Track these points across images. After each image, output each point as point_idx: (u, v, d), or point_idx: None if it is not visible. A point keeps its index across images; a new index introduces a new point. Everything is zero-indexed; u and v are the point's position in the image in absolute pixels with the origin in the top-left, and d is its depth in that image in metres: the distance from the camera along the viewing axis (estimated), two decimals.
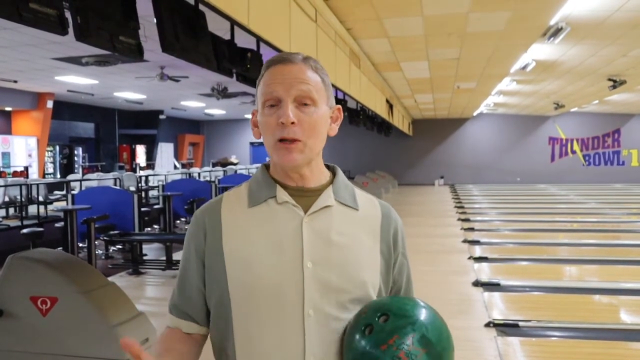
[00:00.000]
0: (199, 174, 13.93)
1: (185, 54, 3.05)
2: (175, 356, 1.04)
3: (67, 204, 6.91)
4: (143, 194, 9.60)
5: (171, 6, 2.90)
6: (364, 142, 18.72)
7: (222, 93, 11.67)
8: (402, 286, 1.13)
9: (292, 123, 0.99)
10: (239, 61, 3.75)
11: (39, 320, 2.86)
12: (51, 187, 10.90)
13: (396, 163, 19.53)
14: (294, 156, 1.01)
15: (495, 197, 14.68)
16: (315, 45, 4.86)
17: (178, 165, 18.98)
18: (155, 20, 2.82)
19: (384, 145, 18.90)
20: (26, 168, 12.20)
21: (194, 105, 15.44)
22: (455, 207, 12.08)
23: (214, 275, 1.04)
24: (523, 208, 11.87)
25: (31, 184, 9.13)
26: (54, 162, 14.75)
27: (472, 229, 8.69)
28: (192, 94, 13.18)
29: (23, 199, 8.56)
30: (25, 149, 12.78)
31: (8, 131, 12.73)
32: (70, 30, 2.34)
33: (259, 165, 18.28)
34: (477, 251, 6.91)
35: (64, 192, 10.11)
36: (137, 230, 6.76)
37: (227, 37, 3.65)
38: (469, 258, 6.48)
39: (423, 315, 0.97)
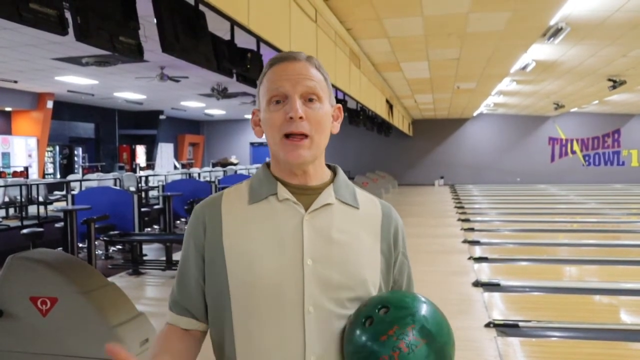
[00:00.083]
0: (199, 174, 13.93)
1: (185, 54, 3.05)
2: (171, 356, 1.04)
3: (67, 204, 6.91)
4: (143, 194, 9.59)
5: (171, 6, 2.90)
6: (364, 142, 18.72)
7: (222, 93, 11.67)
8: (402, 286, 1.14)
9: (301, 118, 1.00)
10: (239, 61, 3.75)
11: (38, 320, 2.86)
12: (51, 188, 10.91)
13: (396, 163, 19.54)
14: (301, 152, 1.01)
15: (495, 197, 14.68)
16: (315, 45, 4.87)
17: (178, 165, 18.99)
18: (155, 21, 2.82)
19: (384, 146, 18.90)
20: (26, 168, 12.20)
21: (194, 105, 15.44)
22: (455, 207, 12.08)
23: (213, 271, 1.04)
24: (523, 208, 11.87)
25: (31, 184, 9.13)
26: (54, 163, 14.75)
27: (472, 229, 8.68)
28: (192, 94, 13.18)
29: (23, 199, 8.56)
30: (25, 149, 12.78)
31: (8, 131, 12.73)
32: (70, 30, 2.34)
33: (258, 165, 18.30)
34: (477, 251, 6.90)
35: (63, 193, 10.11)
36: (137, 231, 6.77)
37: (227, 37, 3.65)
38: (469, 258, 6.48)
39: (423, 307, 0.97)
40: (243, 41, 3.74)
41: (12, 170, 12.17)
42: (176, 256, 6.18)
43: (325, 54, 5.25)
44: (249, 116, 21.95)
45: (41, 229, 6.24)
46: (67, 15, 2.29)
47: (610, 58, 8.02)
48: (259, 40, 3.75)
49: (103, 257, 7.02)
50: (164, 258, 6.31)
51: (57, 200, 9.89)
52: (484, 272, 5.81)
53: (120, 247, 7.39)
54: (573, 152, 19.04)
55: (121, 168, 15.73)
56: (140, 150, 17.44)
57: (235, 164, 18.39)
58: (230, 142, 21.56)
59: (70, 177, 11.87)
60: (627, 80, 9.71)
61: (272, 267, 1.00)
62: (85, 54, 7.82)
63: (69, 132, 15.01)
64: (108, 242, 6.96)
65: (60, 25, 2.24)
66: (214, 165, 18.45)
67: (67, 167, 15.02)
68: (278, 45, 3.88)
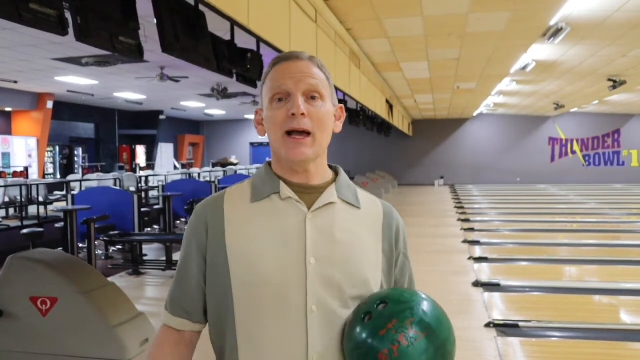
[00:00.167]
0: (199, 174, 13.93)
1: (185, 55, 3.06)
2: None
3: (67, 204, 6.91)
4: (143, 195, 9.59)
5: (171, 6, 2.90)
6: (364, 142, 18.72)
7: (222, 93, 11.67)
8: (404, 286, 1.14)
9: (303, 114, 1.00)
10: (239, 61, 3.75)
11: (39, 320, 2.86)
12: (51, 188, 10.91)
13: (396, 163, 19.54)
14: (303, 150, 1.01)
15: (495, 197, 14.67)
16: (315, 45, 4.87)
17: (178, 165, 18.99)
18: (155, 21, 2.82)
19: (384, 146, 18.90)
20: (26, 168, 12.20)
21: (194, 105, 15.44)
22: (455, 207, 12.08)
23: (216, 272, 1.04)
24: (523, 208, 11.86)
25: (31, 185, 9.13)
26: (54, 163, 14.75)
27: (472, 230, 8.68)
28: (192, 95, 13.18)
29: (23, 200, 8.56)
30: (25, 150, 12.78)
31: (8, 131, 12.73)
32: (70, 30, 2.34)
33: (259, 165, 18.28)
34: (477, 251, 6.90)
35: (64, 193, 10.11)
36: (137, 231, 6.77)
37: (227, 37, 3.65)
38: (469, 258, 6.48)
39: (422, 301, 0.97)
40: (243, 41, 3.74)
41: (12, 170, 12.17)
42: (176, 256, 6.18)
43: (325, 54, 5.25)
44: (248, 116, 21.89)
45: (41, 229, 6.24)
46: (67, 15, 2.29)
47: (610, 58, 8.02)
48: (259, 40, 3.75)
49: (103, 257, 7.02)
50: (164, 258, 6.31)
51: (57, 200, 9.89)
52: (484, 272, 5.81)
53: (120, 247, 7.39)
54: (573, 152, 19.04)
55: (121, 168, 15.74)
56: (140, 151, 17.44)
57: (235, 164, 18.39)
58: (230, 142, 21.56)
59: (70, 177, 11.86)
60: (627, 80, 9.71)
61: (275, 266, 1.00)
62: (85, 54, 7.82)
63: (69, 132, 15.01)
64: (108, 242, 6.96)
65: (60, 25, 2.24)
66: (214, 165, 18.45)
67: (67, 167, 15.02)
68: (278, 46, 3.88)
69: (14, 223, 7.91)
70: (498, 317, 4.21)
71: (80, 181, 10.34)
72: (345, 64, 6.36)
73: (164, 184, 10.60)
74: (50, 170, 14.50)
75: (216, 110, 17.20)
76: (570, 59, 8.03)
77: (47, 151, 13.87)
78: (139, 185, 11.07)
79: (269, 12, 3.79)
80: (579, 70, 9.09)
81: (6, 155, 12.48)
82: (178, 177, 12.50)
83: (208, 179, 13.27)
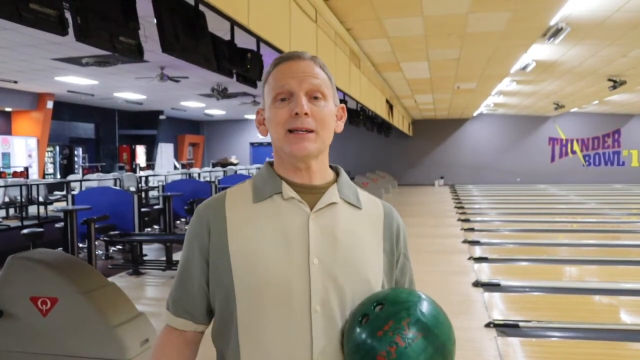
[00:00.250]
0: (199, 174, 13.93)
1: (185, 55, 3.06)
2: None
3: (67, 204, 6.91)
4: (143, 195, 9.59)
5: (171, 6, 2.90)
6: (364, 142, 18.71)
7: (222, 93, 11.67)
8: (404, 287, 1.14)
9: (306, 114, 1.01)
10: (239, 61, 3.75)
11: (39, 320, 2.86)
12: (51, 188, 10.91)
13: (396, 163, 19.54)
14: (306, 145, 1.02)
15: (495, 197, 14.68)
16: (315, 45, 4.87)
17: (178, 165, 18.98)
18: (155, 21, 2.82)
19: (384, 146, 18.90)
20: (26, 168, 12.20)
21: (193, 105, 15.44)
22: (455, 207, 12.08)
23: (218, 273, 1.04)
24: (523, 208, 11.86)
25: (31, 185, 9.13)
26: (54, 163, 14.74)
27: (472, 230, 8.68)
28: (192, 95, 13.18)
29: (23, 200, 8.56)
30: (25, 150, 12.78)
31: (8, 132, 12.73)
32: (70, 30, 2.34)
33: (259, 165, 18.26)
34: (477, 251, 6.90)
35: (64, 193, 10.11)
36: (137, 231, 6.76)
37: (227, 37, 3.65)
38: (469, 258, 6.48)
39: (419, 301, 0.97)
40: (243, 41, 3.74)
41: (12, 170, 12.17)
42: (176, 256, 6.18)
43: (325, 54, 5.25)
44: (248, 116, 21.87)
45: (41, 229, 6.24)
46: (67, 15, 2.29)
47: (610, 58, 8.02)
48: (259, 40, 3.75)
49: (103, 257, 7.02)
50: (164, 258, 6.31)
51: (57, 200, 9.88)
52: (484, 272, 5.81)
53: (120, 247, 7.39)
54: (573, 152, 19.04)
55: (121, 168, 15.73)
56: (140, 151, 17.43)
57: (235, 164, 18.38)
58: (230, 142, 21.56)
59: (70, 177, 11.86)
60: (627, 80, 9.71)
61: (278, 266, 1.00)
62: (85, 54, 7.82)
63: (69, 132, 15.01)
64: (108, 242, 6.96)
65: (60, 25, 2.24)
66: (214, 165, 18.45)
67: (67, 168, 15.02)
68: (278, 45, 3.88)
69: (14, 223, 7.91)
70: (498, 317, 4.21)
71: (80, 181, 10.34)
72: (345, 64, 6.36)
73: (164, 184, 10.60)
74: (50, 170, 14.50)
75: (216, 110, 17.20)
76: (570, 59, 8.03)
77: (47, 151, 13.87)
78: (139, 185, 11.07)
79: (269, 12, 3.79)
80: (579, 70, 9.09)
81: (6, 155, 12.48)
82: (178, 177, 12.50)
83: (208, 179, 13.27)
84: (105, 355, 2.79)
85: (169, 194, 8.25)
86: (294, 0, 4.24)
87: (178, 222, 9.49)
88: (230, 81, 6.76)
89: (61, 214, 6.68)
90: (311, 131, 1.02)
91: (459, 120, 19.44)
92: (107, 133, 16.34)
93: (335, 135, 1.11)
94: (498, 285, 5.22)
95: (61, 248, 5.98)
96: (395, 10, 5.44)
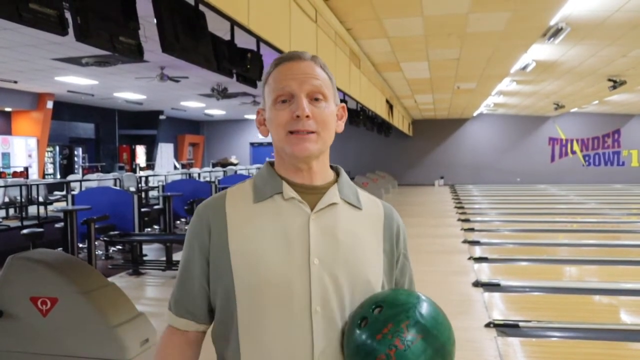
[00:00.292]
0: (199, 174, 13.93)
1: (185, 55, 3.06)
2: None
3: (67, 204, 6.91)
4: (143, 195, 9.59)
5: (171, 6, 2.90)
6: (364, 142, 18.71)
7: (222, 93, 11.66)
8: (404, 287, 1.14)
9: (307, 116, 1.01)
10: (239, 61, 3.75)
11: (39, 320, 2.86)
12: (51, 188, 10.91)
13: (396, 163, 19.54)
14: (307, 145, 1.01)
15: (495, 197, 14.67)
16: (315, 45, 4.86)
17: (178, 165, 18.98)
18: (155, 21, 2.82)
19: (384, 146, 18.91)
20: (26, 168, 12.20)
21: (193, 105, 15.44)
22: (455, 207, 12.08)
23: (218, 273, 1.04)
24: (523, 208, 11.86)
25: (31, 185, 9.12)
26: (54, 163, 14.74)
27: (472, 230, 8.68)
28: (192, 95, 13.18)
29: (23, 200, 8.56)
30: (25, 150, 12.78)
31: (8, 132, 12.73)
32: (70, 30, 2.34)
33: (259, 165, 18.24)
34: (477, 251, 6.90)
35: (64, 193, 10.11)
36: (137, 231, 6.76)
37: (227, 37, 3.65)
38: (469, 258, 6.48)
39: (417, 303, 0.97)
40: (243, 41, 3.74)
41: (12, 170, 12.17)
42: (176, 256, 6.18)
43: (325, 54, 5.25)
44: (248, 116, 21.84)
45: (41, 229, 6.24)
46: (67, 15, 2.29)
47: (610, 58, 8.02)
48: (259, 40, 3.74)
49: (103, 257, 7.02)
50: (164, 258, 6.31)
51: (57, 200, 9.88)
52: (484, 272, 5.80)
53: (120, 247, 7.39)
54: (573, 152, 19.04)
55: (121, 168, 15.73)
56: (140, 151, 17.43)
57: (235, 164, 18.38)
58: (230, 142, 21.56)
59: (70, 178, 11.86)
60: (627, 80, 9.71)
61: (278, 266, 1.00)
62: (85, 54, 7.82)
63: (69, 132, 15.01)
64: (108, 242, 6.96)
65: (60, 25, 2.24)
66: (214, 165, 18.45)
67: (67, 168, 15.01)
68: (278, 45, 3.88)
69: (14, 223, 7.91)
70: (498, 317, 4.21)
71: (80, 181, 10.34)
72: (345, 64, 6.36)
73: (164, 184, 10.60)
74: (50, 171, 14.50)
75: (216, 110, 17.20)
76: (570, 59, 8.03)
77: (47, 151, 13.87)
78: (139, 185, 11.07)
79: (269, 12, 3.79)
80: (579, 70, 9.09)
81: (6, 155, 12.48)
82: (178, 177, 12.50)
83: (208, 179, 13.27)
84: (105, 356, 2.79)
85: (169, 194, 8.25)
86: (294, 0, 4.24)
87: (178, 222, 9.49)
88: (230, 81, 6.76)
89: (61, 214, 6.68)
90: (312, 132, 1.02)
91: (459, 120, 19.44)
92: (107, 133, 16.34)
93: (335, 135, 1.10)
94: (498, 285, 5.22)
95: (61, 248, 5.98)
96: (395, 10, 5.44)
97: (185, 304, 1.08)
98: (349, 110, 8.96)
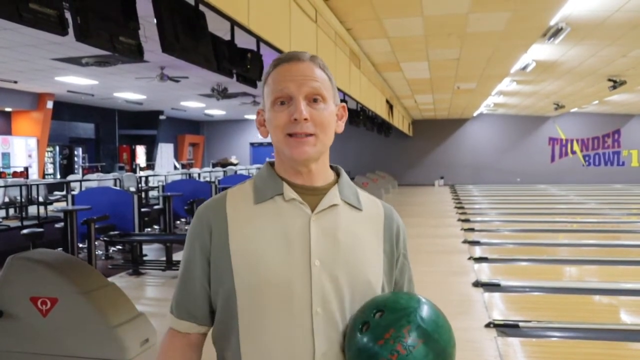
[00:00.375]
0: (199, 174, 13.93)
1: (185, 55, 3.05)
2: None
3: (67, 204, 6.91)
4: (143, 195, 9.59)
5: (171, 6, 2.90)
6: (364, 142, 18.71)
7: (222, 93, 11.66)
8: (403, 287, 1.14)
9: (305, 119, 1.00)
10: (239, 61, 3.75)
11: (39, 320, 2.86)
12: (51, 188, 10.90)
13: (396, 163, 19.54)
14: (306, 149, 1.01)
15: (495, 197, 14.67)
16: (315, 45, 4.86)
17: (178, 165, 18.98)
18: (155, 21, 2.82)
19: (384, 146, 18.91)
20: (26, 168, 12.20)
21: (194, 105, 15.44)
22: (456, 207, 12.08)
23: (219, 274, 1.04)
24: (523, 208, 11.86)
25: (31, 185, 9.12)
26: (53, 163, 14.74)
27: (472, 230, 8.68)
28: (192, 95, 13.18)
29: (23, 200, 8.56)
30: (25, 150, 12.78)
31: (8, 132, 12.72)
32: (70, 30, 2.34)
33: (259, 165, 18.23)
34: (477, 252, 6.90)
35: (64, 193, 10.11)
36: (137, 231, 6.76)
37: (227, 37, 3.65)
38: (469, 258, 6.48)
39: (418, 307, 0.97)
40: (243, 41, 3.73)
41: (12, 170, 12.17)
42: (176, 256, 6.18)
43: (325, 54, 5.25)
44: (249, 116, 21.84)
45: (41, 229, 6.24)
46: (67, 15, 2.29)
47: (610, 58, 8.02)
48: (259, 40, 3.74)
49: (103, 258, 7.02)
50: (164, 258, 6.31)
51: (57, 200, 9.88)
52: (484, 272, 5.80)
53: (120, 247, 7.39)
54: (573, 152, 19.04)
55: (121, 168, 15.73)
56: (140, 151, 17.43)
57: (235, 164, 18.38)
58: (230, 142, 21.56)
59: (70, 178, 11.86)
60: (627, 80, 9.71)
61: (279, 268, 1.00)
62: (85, 54, 7.82)
63: (69, 132, 15.01)
64: (108, 242, 6.96)
65: (60, 25, 2.24)
66: (214, 165, 18.45)
67: (67, 168, 15.01)
68: (278, 46, 3.88)
69: (14, 223, 7.91)
70: (498, 317, 4.21)
71: (80, 181, 10.34)
72: (345, 64, 6.35)
73: (164, 184, 10.60)
74: (50, 171, 14.50)
75: (216, 110, 17.20)
76: (570, 59, 8.03)
77: (47, 151, 13.87)
78: (139, 185, 11.07)
79: (269, 12, 3.79)
80: (579, 70, 9.09)
81: (6, 156, 12.47)
82: (178, 177, 12.50)
83: (208, 179, 13.27)
84: (105, 356, 2.79)
85: (169, 194, 8.25)
86: (294, 0, 4.24)
87: (178, 222, 9.49)
88: (230, 81, 6.77)
89: (61, 214, 6.68)
90: (311, 135, 1.01)
91: (459, 121, 19.44)
92: (107, 133, 16.34)
93: (335, 135, 1.10)
94: (498, 285, 5.22)
95: (61, 248, 5.98)
96: (395, 10, 5.44)
97: (186, 305, 1.08)
98: (349, 110, 8.93)
